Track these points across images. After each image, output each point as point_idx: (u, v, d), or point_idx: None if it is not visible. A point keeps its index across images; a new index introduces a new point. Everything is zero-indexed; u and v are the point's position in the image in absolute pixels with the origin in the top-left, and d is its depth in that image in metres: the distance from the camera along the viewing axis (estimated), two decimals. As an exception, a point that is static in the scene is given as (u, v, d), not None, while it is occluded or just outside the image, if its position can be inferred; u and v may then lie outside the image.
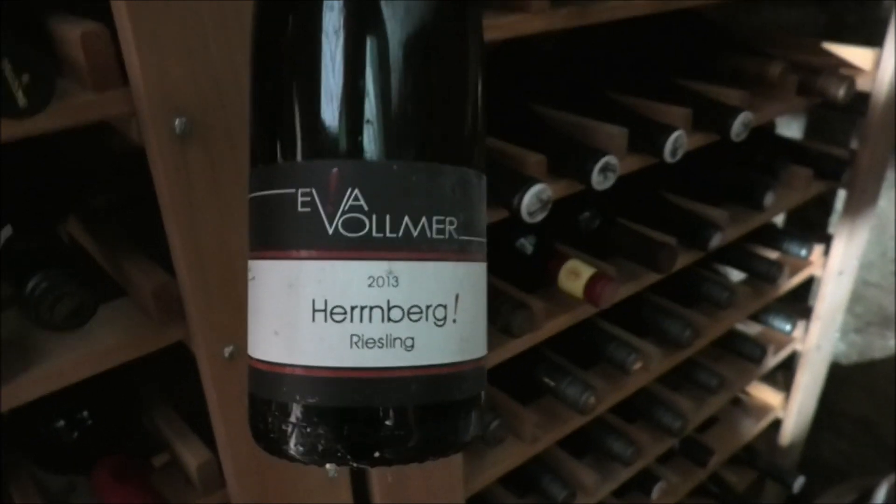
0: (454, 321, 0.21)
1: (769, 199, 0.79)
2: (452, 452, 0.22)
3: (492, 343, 0.59)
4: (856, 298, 1.13)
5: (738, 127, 0.66)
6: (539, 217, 0.52)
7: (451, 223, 0.21)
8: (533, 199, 0.50)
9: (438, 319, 0.21)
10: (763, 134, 0.93)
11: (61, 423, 0.48)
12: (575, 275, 0.62)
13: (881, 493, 1.00)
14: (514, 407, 0.69)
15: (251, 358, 0.22)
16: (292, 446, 0.21)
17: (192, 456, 0.47)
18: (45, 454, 0.49)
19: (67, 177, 0.50)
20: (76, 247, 0.48)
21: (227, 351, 0.42)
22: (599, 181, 0.55)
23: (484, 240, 0.23)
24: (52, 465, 0.49)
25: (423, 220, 0.20)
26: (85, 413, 0.48)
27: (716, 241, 0.72)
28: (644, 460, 0.84)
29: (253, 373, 0.22)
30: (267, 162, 0.21)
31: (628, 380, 0.75)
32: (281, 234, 0.21)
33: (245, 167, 0.39)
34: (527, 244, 0.66)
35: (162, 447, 0.52)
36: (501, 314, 0.58)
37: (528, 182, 0.50)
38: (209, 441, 0.49)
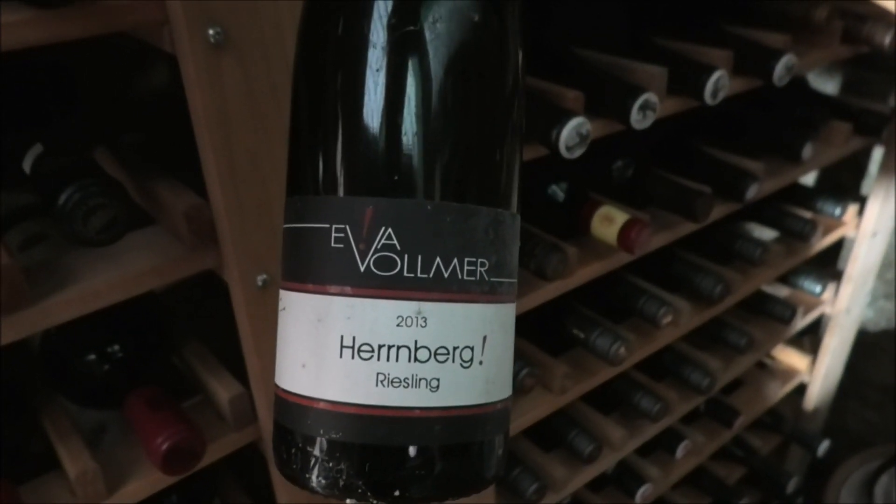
0: (480, 363, 0.21)
1: (808, 150, 0.76)
2: (473, 492, 0.22)
3: (524, 287, 0.58)
4: (886, 264, 1.10)
5: (781, 70, 0.63)
6: (577, 153, 0.50)
7: (483, 265, 0.21)
8: (572, 133, 0.49)
9: (465, 361, 0.20)
10: (802, 88, 0.90)
11: (92, 356, 0.48)
12: (609, 220, 0.61)
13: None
14: (544, 358, 0.68)
15: (278, 387, 0.22)
16: (314, 479, 0.21)
17: (223, 390, 0.47)
18: (75, 387, 0.49)
19: (100, 107, 0.49)
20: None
21: (261, 279, 0.41)
22: (638, 119, 0.54)
23: (515, 280, 0.22)
24: (82, 398, 0.49)
25: (455, 261, 0.20)
26: (116, 346, 0.48)
27: (752, 191, 0.70)
28: (671, 418, 0.83)
29: (279, 402, 0.22)
30: (302, 195, 0.21)
31: (658, 334, 0.74)
32: (313, 269, 0.21)
33: (279, 84, 0.38)
34: (558, 191, 0.65)
35: (193, 388, 0.52)
36: (535, 256, 0.56)
37: (567, 115, 0.48)
38: (240, 379, 0.48)
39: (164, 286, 0.56)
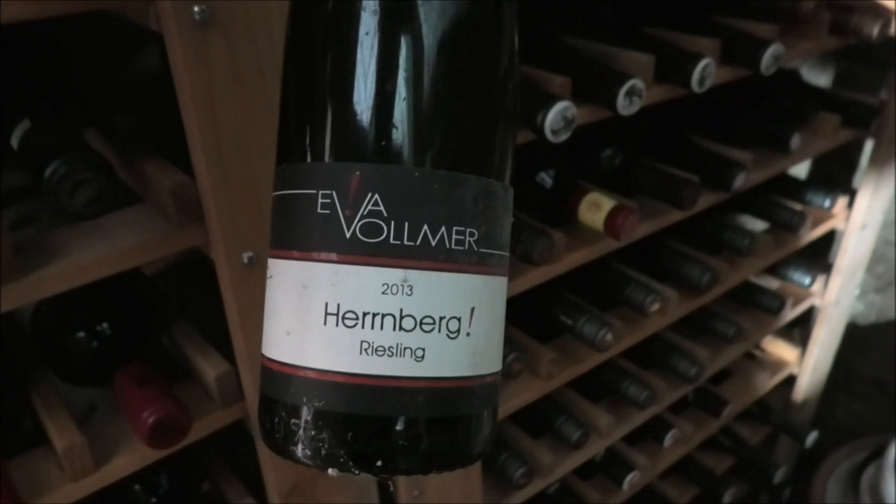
0: (468, 334, 0.20)
1: (796, 141, 0.77)
2: (457, 467, 0.22)
3: (511, 272, 0.59)
4: (877, 258, 1.11)
5: (768, 59, 0.64)
6: (563, 137, 0.50)
7: (472, 234, 0.20)
8: (557, 117, 0.49)
9: (451, 332, 0.20)
10: (791, 79, 0.91)
11: (81, 333, 0.48)
12: (596, 207, 0.61)
13: (894, 450, 1.00)
14: (531, 344, 0.69)
15: (264, 356, 0.22)
16: (297, 448, 0.20)
17: (210, 367, 0.47)
18: (65, 365, 0.49)
19: (89, 87, 0.49)
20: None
21: (247, 256, 0.42)
22: (625, 105, 0.54)
23: (506, 254, 0.22)
24: (72, 376, 0.50)
25: (443, 229, 0.20)
26: (105, 324, 0.48)
27: (739, 181, 0.71)
28: (658, 406, 0.84)
29: (265, 371, 0.22)
30: (290, 161, 0.21)
31: (646, 322, 0.74)
32: (299, 235, 0.20)
33: (264, 63, 0.38)
34: (547, 178, 0.65)
35: (181, 368, 0.52)
36: (522, 241, 0.57)
37: (553, 99, 0.49)
38: (228, 359, 0.49)
39: (153, 268, 0.57)
